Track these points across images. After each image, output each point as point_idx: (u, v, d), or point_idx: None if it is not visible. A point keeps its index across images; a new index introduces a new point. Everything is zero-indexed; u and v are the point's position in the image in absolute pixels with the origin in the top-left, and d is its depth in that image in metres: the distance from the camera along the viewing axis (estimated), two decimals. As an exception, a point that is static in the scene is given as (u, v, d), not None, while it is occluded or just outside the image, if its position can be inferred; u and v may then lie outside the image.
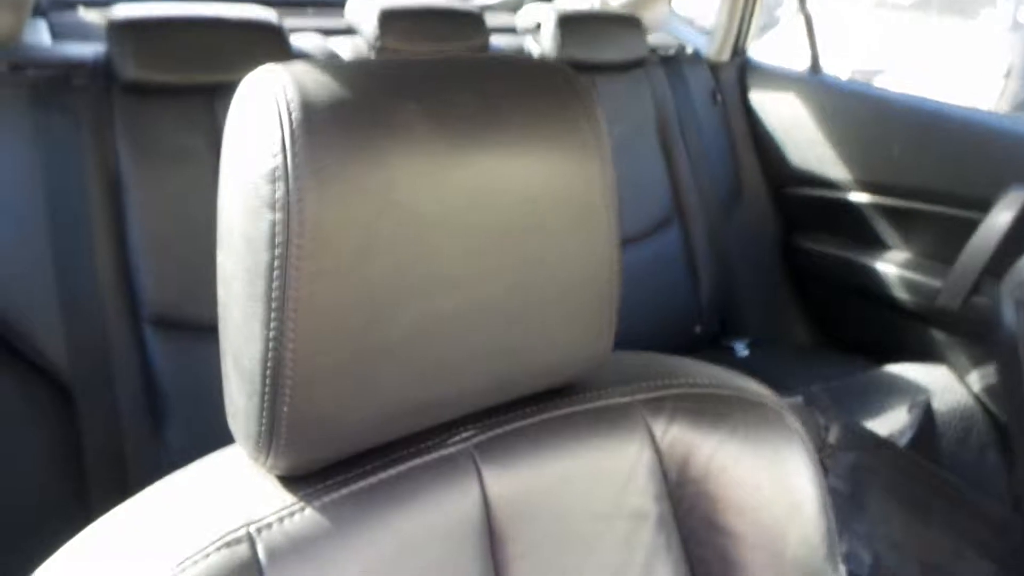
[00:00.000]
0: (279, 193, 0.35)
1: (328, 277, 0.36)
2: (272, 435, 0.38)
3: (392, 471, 0.44)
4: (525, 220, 0.42)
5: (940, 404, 1.19)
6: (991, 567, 0.88)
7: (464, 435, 0.47)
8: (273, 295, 0.36)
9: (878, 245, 1.42)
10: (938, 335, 1.33)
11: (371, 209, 0.37)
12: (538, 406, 0.50)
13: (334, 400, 0.38)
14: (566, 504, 0.48)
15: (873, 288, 1.40)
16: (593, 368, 0.50)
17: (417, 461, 0.45)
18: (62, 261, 1.06)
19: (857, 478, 0.94)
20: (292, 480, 0.42)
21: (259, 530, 0.39)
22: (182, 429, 1.07)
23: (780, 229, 1.61)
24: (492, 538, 0.46)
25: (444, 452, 0.46)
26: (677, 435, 0.51)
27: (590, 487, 0.49)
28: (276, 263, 0.35)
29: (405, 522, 0.43)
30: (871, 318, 1.46)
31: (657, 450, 0.51)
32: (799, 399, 1.05)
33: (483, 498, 0.46)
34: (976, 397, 1.24)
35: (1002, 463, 1.15)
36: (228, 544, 0.39)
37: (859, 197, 1.43)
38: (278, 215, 0.35)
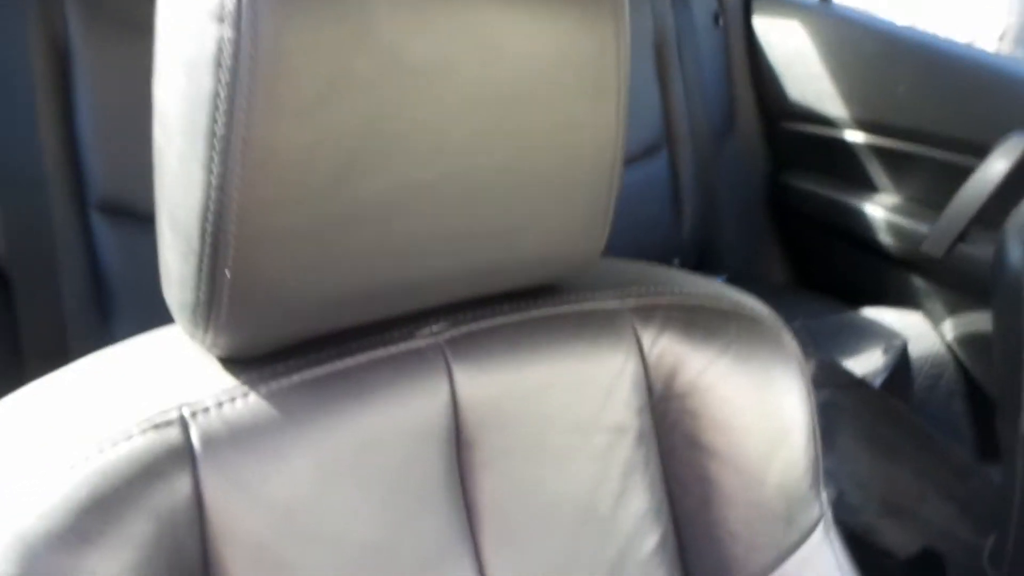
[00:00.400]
0: (229, 2, 0.29)
1: (286, 115, 0.30)
2: (211, 306, 0.33)
3: (351, 361, 0.39)
4: (525, 82, 0.36)
5: (913, 350, 1.18)
6: (953, 509, 0.88)
7: (435, 328, 0.42)
8: (217, 132, 0.30)
9: (869, 187, 1.39)
10: (917, 282, 1.31)
11: (344, 40, 0.30)
12: (518, 305, 0.45)
13: (286, 269, 0.33)
14: (542, 412, 0.44)
15: (858, 231, 1.37)
16: (582, 268, 0.46)
17: (380, 352, 0.40)
18: (0, 136, 0.96)
19: (829, 415, 0.92)
20: (236, 363, 0.37)
21: (194, 414, 0.34)
22: (130, 325, 1.00)
23: (770, 165, 1.57)
24: (459, 442, 0.42)
25: (411, 345, 0.41)
26: (666, 347, 0.47)
27: (569, 396, 0.44)
28: (222, 91, 0.29)
29: (364, 417, 0.38)
30: (852, 262, 1.44)
31: (644, 361, 0.46)
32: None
33: (452, 399, 0.41)
34: (948, 346, 1.23)
35: (968, 411, 1.16)
36: (157, 426, 0.33)
37: (855, 136, 1.38)
38: (227, 30, 0.29)
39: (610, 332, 0.46)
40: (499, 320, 0.44)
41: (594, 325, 0.46)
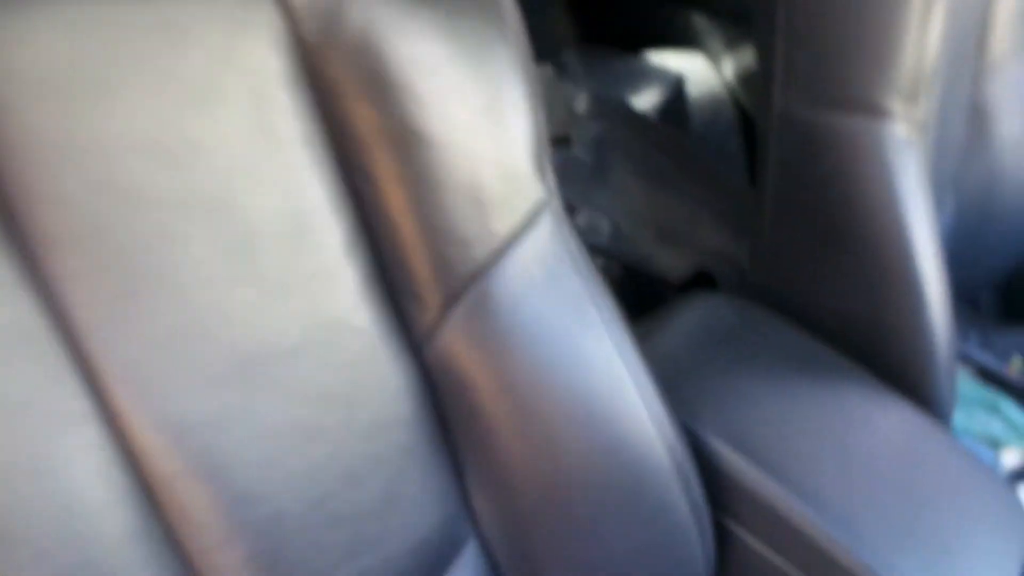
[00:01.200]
0: None
1: None
2: None
3: None
4: None
5: (693, 89, 1.15)
6: (726, 232, 0.87)
7: None
8: None
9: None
10: (700, 22, 1.26)
11: None
12: None
13: None
14: (125, 60, 0.30)
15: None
16: None
17: None
18: None
19: (602, 149, 0.86)
20: None
21: None
22: None
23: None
24: None
25: None
26: None
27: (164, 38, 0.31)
28: None
29: None
30: (636, 7, 1.35)
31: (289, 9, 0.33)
32: (548, 68, 0.93)
33: None
34: (727, 85, 1.21)
35: (743, 147, 1.16)
36: None
37: None
38: None
39: None
40: None
41: None
